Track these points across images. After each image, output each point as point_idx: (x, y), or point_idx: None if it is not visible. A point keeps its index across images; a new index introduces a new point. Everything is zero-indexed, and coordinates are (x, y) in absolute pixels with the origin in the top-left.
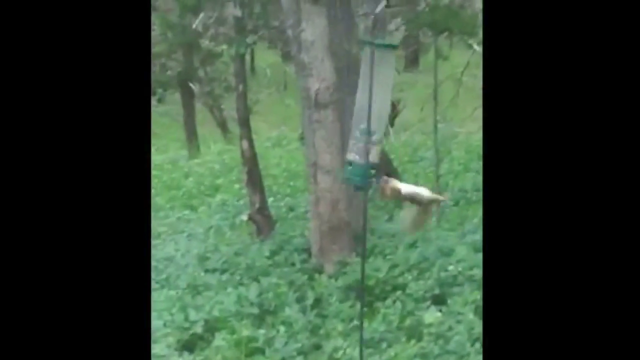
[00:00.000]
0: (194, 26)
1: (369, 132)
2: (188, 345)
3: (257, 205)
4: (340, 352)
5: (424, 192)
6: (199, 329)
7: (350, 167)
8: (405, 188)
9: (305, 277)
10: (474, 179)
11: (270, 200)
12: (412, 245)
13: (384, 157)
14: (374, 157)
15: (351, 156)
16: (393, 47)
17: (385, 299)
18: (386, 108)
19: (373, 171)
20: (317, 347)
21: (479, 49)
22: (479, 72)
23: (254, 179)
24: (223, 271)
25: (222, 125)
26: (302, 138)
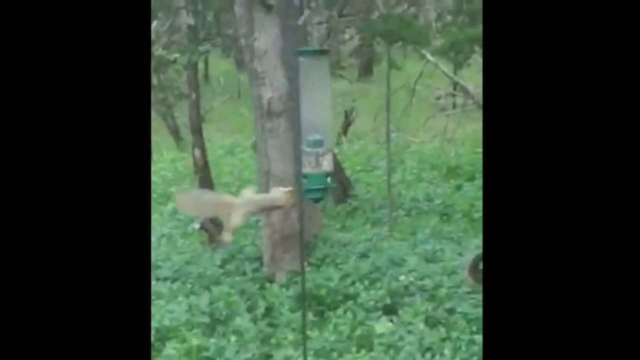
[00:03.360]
0: None
1: (317, 143)
2: None
3: None
4: None
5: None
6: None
7: (306, 180)
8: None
9: (257, 286)
10: (427, 188)
11: None
12: (364, 254)
13: (337, 165)
14: (327, 165)
15: (306, 169)
16: (322, 52)
17: (336, 308)
18: (327, 115)
19: (329, 179)
20: (268, 356)
21: (432, 58)
22: (432, 82)
23: (206, 187)
24: (174, 280)
25: (175, 133)
26: (255, 146)
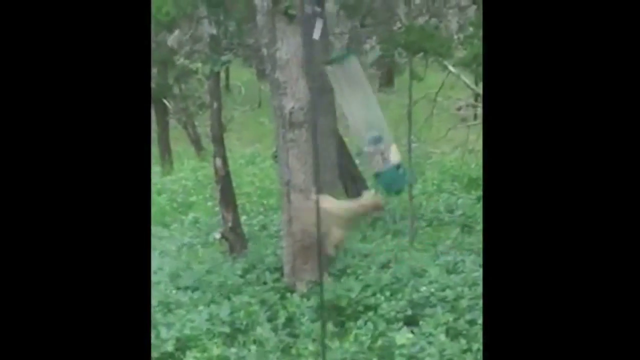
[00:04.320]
0: (169, 43)
1: (377, 140)
2: None
3: (229, 224)
4: None
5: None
6: (170, 347)
7: (379, 178)
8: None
9: (277, 296)
10: (448, 200)
11: (243, 218)
12: (385, 265)
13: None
14: (395, 157)
15: (374, 167)
16: (349, 55)
17: (357, 319)
18: (376, 110)
19: (401, 170)
20: None
21: (453, 70)
22: (453, 93)
23: (227, 197)
24: (195, 289)
25: (196, 143)
26: (275, 156)
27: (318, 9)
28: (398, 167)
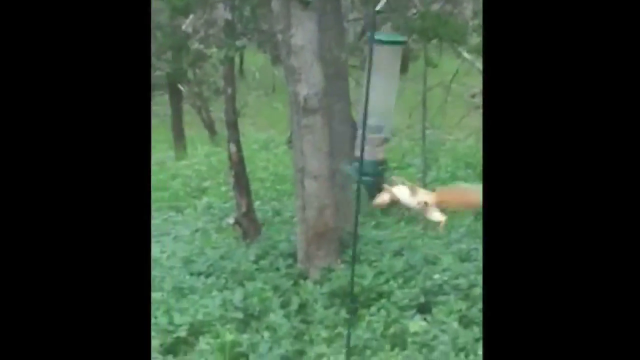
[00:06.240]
0: (183, 28)
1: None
2: (172, 349)
3: (243, 209)
4: (324, 359)
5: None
6: (183, 332)
7: (357, 164)
8: (402, 197)
9: (290, 282)
10: None
11: (257, 203)
12: (398, 253)
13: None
14: (382, 153)
15: (359, 153)
16: (401, 42)
17: (369, 306)
18: (391, 103)
19: (381, 167)
20: (301, 353)
21: (468, 56)
22: (467, 80)
23: (241, 182)
24: (208, 275)
25: (210, 128)
26: (289, 141)
27: None
28: (379, 164)
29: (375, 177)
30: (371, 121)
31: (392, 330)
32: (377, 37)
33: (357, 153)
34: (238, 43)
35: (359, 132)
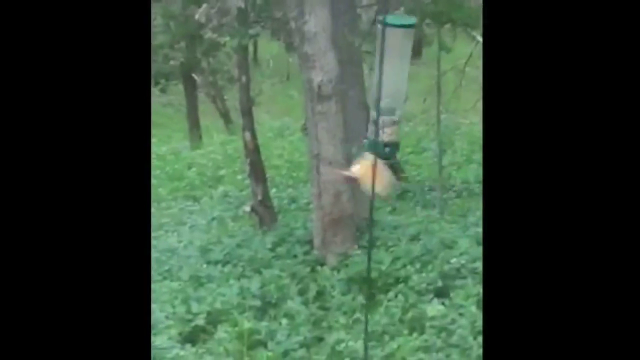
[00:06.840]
0: (196, 17)
1: (382, 111)
2: (190, 338)
3: (259, 197)
4: (343, 345)
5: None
6: (201, 321)
7: (366, 143)
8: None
9: (308, 269)
10: (477, 170)
11: (272, 191)
12: (415, 237)
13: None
14: (391, 135)
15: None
16: (411, 25)
17: (387, 291)
18: (404, 86)
19: (387, 149)
20: (320, 339)
21: (482, 40)
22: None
23: (257, 170)
24: (225, 263)
25: (225, 116)
26: (304, 129)
27: None
28: (386, 145)
29: (384, 159)
30: (383, 103)
31: (410, 315)
32: (387, 20)
33: (380, 138)
34: (251, 31)
35: (371, 113)
